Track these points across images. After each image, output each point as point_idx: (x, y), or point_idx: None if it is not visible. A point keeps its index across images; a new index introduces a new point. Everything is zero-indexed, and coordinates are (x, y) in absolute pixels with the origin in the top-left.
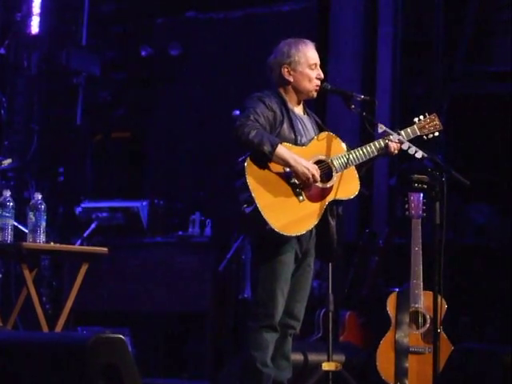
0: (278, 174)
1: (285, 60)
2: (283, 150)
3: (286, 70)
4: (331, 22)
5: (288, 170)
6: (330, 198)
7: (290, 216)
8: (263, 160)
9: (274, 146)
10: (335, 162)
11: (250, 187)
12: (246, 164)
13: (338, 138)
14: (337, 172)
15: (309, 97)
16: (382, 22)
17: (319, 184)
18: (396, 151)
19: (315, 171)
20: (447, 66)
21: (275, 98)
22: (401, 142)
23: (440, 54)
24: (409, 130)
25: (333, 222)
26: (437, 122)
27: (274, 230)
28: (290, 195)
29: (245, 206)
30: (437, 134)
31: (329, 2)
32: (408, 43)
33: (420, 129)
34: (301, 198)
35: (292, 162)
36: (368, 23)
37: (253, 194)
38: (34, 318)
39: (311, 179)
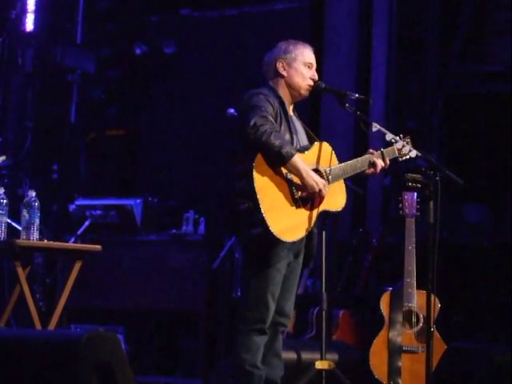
0: (282, 178)
1: (281, 55)
2: (298, 158)
3: (280, 64)
4: (325, 21)
5: (290, 176)
6: (320, 208)
7: (288, 221)
8: (274, 163)
9: (293, 152)
10: (330, 174)
11: (256, 188)
12: (254, 164)
13: (332, 150)
14: (329, 183)
15: (300, 95)
16: (376, 21)
17: None
18: (377, 170)
19: (322, 186)
20: (441, 65)
21: (275, 98)
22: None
23: (434, 53)
24: (389, 149)
25: (316, 231)
26: (410, 144)
27: (272, 233)
28: (290, 201)
29: (245, 205)
30: (410, 156)
31: (323, 0)
32: (402, 42)
33: (398, 150)
34: (298, 204)
35: (304, 174)
36: (362, 22)
37: (257, 196)
38: (27, 315)
39: (316, 194)
